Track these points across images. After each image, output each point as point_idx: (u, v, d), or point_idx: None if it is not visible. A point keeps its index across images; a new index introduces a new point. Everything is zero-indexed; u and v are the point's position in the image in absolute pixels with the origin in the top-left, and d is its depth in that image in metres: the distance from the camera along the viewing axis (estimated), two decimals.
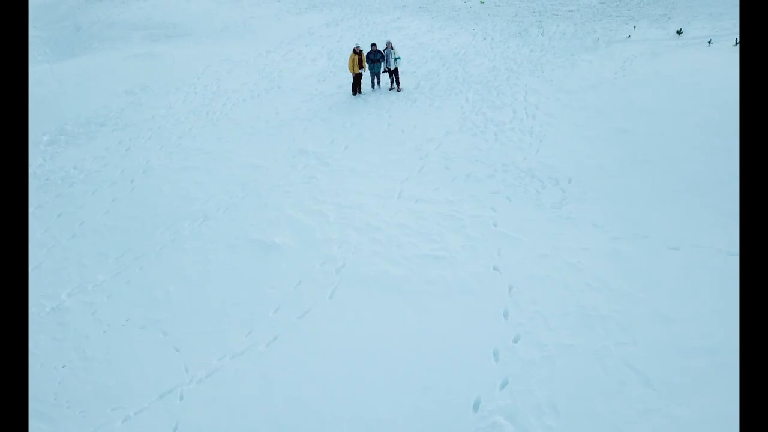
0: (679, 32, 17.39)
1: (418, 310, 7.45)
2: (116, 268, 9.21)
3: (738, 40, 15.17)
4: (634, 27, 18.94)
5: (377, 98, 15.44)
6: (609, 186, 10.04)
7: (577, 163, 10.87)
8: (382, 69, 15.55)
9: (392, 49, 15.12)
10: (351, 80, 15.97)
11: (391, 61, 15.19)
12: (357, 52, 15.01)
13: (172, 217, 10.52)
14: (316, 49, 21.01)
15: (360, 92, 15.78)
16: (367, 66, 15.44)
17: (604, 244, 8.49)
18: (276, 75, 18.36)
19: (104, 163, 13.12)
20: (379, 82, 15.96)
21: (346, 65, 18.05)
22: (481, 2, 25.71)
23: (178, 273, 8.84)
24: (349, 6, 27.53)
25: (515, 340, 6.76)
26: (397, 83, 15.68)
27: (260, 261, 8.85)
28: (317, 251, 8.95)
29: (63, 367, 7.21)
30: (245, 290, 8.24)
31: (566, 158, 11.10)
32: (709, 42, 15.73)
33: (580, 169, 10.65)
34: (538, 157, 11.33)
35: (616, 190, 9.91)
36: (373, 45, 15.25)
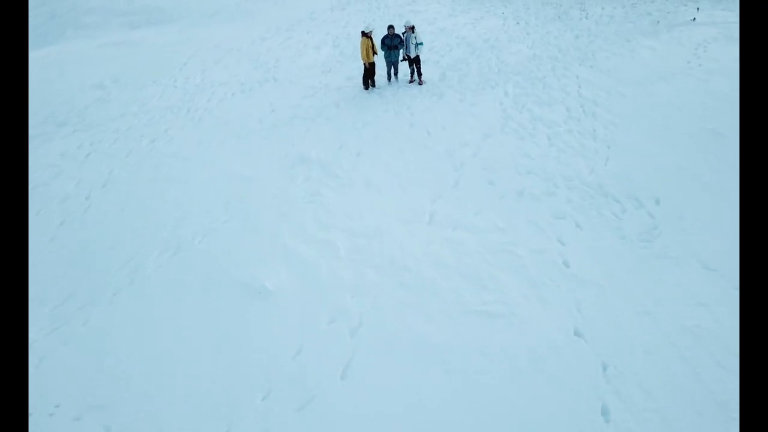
0: None
1: (471, 401, 5.36)
2: (52, 323, 7.16)
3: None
4: (698, 8, 16.80)
5: (395, 92, 13.37)
6: (713, 207, 7.92)
7: (663, 176, 8.75)
8: (400, 57, 13.49)
9: (413, 33, 13.03)
10: (362, 71, 13.91)
11: (412, 47, 13.11)
12: (367, 35, 12.93)
13: (133, 246, 8.49)
14: (319, 35, 18.97)
15: (373, 85, 13.72)
16: (381, 53, 13.36)
17: (727, 295, 6.37)
18: (272, 65, 16.32)
19: (57, 173, 11.10)
20: (396, 74, 13.90)
21: (356, 53, 16.05)
22: None
23: (134, 332, 6.79)
24: None
25: None
26: (419, 74, 13.60)
27: (245, 315, 6.79)
28: (324, 301, 6.88)
29: None
30: (224, 361, 6.18)
31: (646, 170, 8.98)
32: None
33: (669, 185, 8.53)
34: (608, 167, 9.22)
35: (723, 212, 7.78)
36: (390, 28, 13.16)
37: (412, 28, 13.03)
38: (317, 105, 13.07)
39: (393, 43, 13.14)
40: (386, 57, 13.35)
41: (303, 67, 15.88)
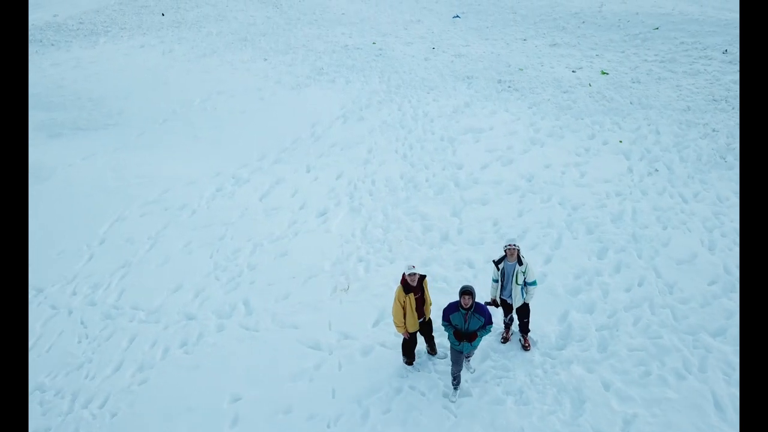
0: None
1: None
2: None
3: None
4: None
5: (481, 397, 7.76)
6: None
7: None
8: (484, 335, 7.70)
9: (521, 263, 7.60)
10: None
11: (517, 290, 7.70)
12: (408, 281, 7.42)
13: None
14: (326, 179, 13.63)
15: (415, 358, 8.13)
16: (443, 325, 7.62)
17: None
18: (243, 261, 10.87)
19: None
20: (459, 377, 7.83)
21: (391, 227, 10.70)
22: (603, 73, 18.53)
23: None
24: (376, 73, 20.34)
25: None
26: (524, 331, 8.14)
27: None
28: None
29: None
30: None
31: None
32: None
33: None
34: None
35: None
36: (466, 295, 7.09)
37: (519, 255, 7.60)
38: (323, 412, 7.50)
39: (470, 328, 7.30)
40: (452, 344, 7.61)
41: (299, 269, 10.39)
